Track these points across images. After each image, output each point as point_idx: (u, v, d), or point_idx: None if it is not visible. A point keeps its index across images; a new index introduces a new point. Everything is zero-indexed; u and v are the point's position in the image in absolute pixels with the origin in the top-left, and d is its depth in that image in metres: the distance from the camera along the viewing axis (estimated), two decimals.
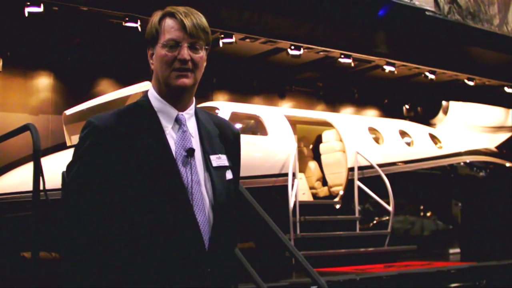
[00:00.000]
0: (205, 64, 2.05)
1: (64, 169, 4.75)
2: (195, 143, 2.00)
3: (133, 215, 1.87)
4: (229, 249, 2.03)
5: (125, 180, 1.88)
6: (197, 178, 1.94)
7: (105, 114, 1.99)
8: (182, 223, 1.88)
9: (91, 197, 1.89)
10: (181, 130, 1.98)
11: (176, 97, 2.00)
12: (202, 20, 2.00)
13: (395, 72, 9.99)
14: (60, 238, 1.93)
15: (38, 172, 4.43)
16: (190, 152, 1.95)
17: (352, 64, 9.38)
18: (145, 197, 1.87)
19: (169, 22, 1.98)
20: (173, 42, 1.95)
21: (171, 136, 1.97)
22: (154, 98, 2.01)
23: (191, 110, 2.04)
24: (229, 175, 2.05)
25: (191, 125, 2.03)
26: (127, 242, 1.87)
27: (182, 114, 2.00)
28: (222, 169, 2.03)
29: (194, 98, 2.07)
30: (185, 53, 1.95)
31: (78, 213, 1.89)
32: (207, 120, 2.09)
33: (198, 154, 1.99)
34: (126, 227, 1.88)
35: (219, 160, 2.03)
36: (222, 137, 2.09)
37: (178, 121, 1.99)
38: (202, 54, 2.00)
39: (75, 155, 1.97)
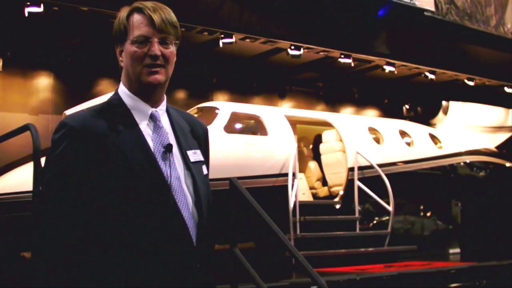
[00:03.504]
0: (175, 59, 2.02)
1: None
2: (171, 139, 1.98)
3: (117, 215, 1.83)
4: (212, 246, 2.02)
5: (106, 181, 1.83)
6: (176, 174, 1.92)
7: (79, 114, 1.96)
8: (168, 220, 1.86)
9: (72, 201, 1.83)
10: (156, 126, 1.97)
11: (148, 93, 1.97)
12: (171, 14, 1.98)
13: (395, 72, 9.98)
14: (38, 247, 1.86)
15: (38, 172, 4.43)
16: (169, 147, 1.93)
17: (352, 64, 9.38)
18: (127, 195, 1.84)
19: (137, 17, 1.96)
20: (143, 38, 1.93)
21: (147, 133, 1.94)
22: (126, 95, 1.99)
23: (163, 106, 2.03)
24: (205, 170, 2.04)
25: (165, 121, 2.01)
26: (113, 243, 1.83)
27: (156, 110, 1.99)
28: (199, 164, 2.02)
29: (165, 95, 2.05)
30: (156, 48, 1.93)
31: (59, 217, 1.83)
32: (178, 116, 2.08)
33: (175, 150, 1.97)
34: (111, 227, 1.83)
35: (195, 155, 2.02)
36: (194, 133, 2.08)
37: (152, 118, 1.97)
38: (172, 49, 1.98)
39: (50, 159, 1.90)
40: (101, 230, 1.84)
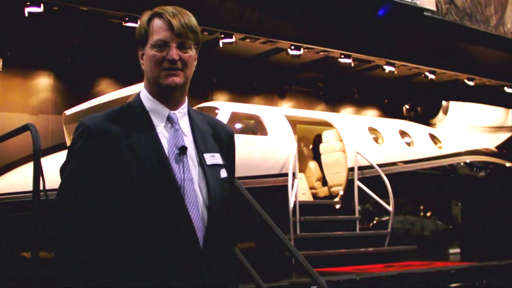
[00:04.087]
0: (195, 63, 2.06)
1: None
2: (188, 142, 2.00)
3: (126, 213, 1.88)
4: (225, 247, 2.03)
5: (118, 180, 1.88)
6: (189, 175, 1.95)
7: (98, 114, 2.00)
8: (175, 220, 1.89)
9: (85, 197, 1.90)
10: (173, 128, 1.99)
11: (167, 96, 2.01)
12: (191, 19, 2.01)
13: (395, 72, 9.99)
14: (54, 238, 1.94)
15: (38, 172, 4.43)
16: (183, 150, 1.96)
17: (352, 64, 9.38)
18: (138, 195, 1.88)
19: (157, 22, 1.99)
20: (162, 42, 1.97)
21: (163, 135, 1.98)
22: (146, 98, 2.03)
23: (183, 109, 2.05)
24: (223, 173, 2.04)
25: (184, 124, 2.03)
26: (121, 241, 1.88)
27: (174, 113, 2.01)
28: (216, 167, 2.03)
29: (186, 98, 2.08)
30: (174, 53, 1.96)
31: (72, 213, 1.90)
32: (200, 120, 2.10)
33: (191, 152, 1.99)
34: (120, 226, 1.89)
35: (213, 158, 2.03)
36: (216, 137, 2.09)
37: (170, 120, 2.00)
38: (191, 53, 2.01)
39: (68, 155, 1.98)
40: (112, 228, 1.90)
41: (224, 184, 2.02)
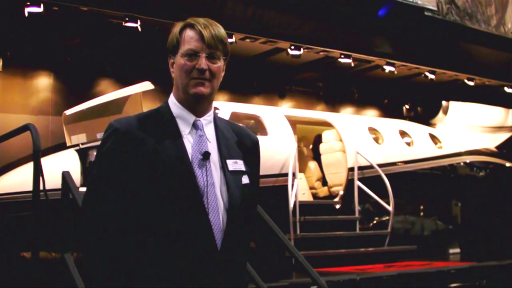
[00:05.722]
0: (223, 73, 2.13)
1: (64, 170, 4.74)
2: (212, 148, 2.07)
3: (149, 215, 1.95)
4: (242, 251, 2.08)
5: (142, 182, 1.95)
6: (212, 180, 2.01)
7: (126, 117, 2.09)
8: (195, 223, 1.95)
9: (110, 198, 1.97)
10: (197, 134, 2.06)
11: (194, 104, 2.08)
12: (221, 31, 2.09)
13: (395, 72, 9.99)
14: (80, 237, 2.01)
15: (38, 172, 4.44)
16: (206, 155, 2.03)
17: (352, 64, 9.38)
18: (161, 198, 1.94)
19: (189, 33, 2.07)
20: (192, 52, 2.04)
21: (188, 140, 2.05)
22: (174, 104, 2.11)
23: (209, 116, 2.12)
24: (245, 179, 2.10)
25: (209, 131, 2.10)
26: (142, 241, 1.94)
27: (199, 120, 2.08)
28: (238, 173, 2.09)
29: (212, 106, 2.15)
30: (203, 63, 2.03)
31: (97, 213, 1.97)
32: (225, 127, 2.17)
33: (214, 158, 2.06)
34: (142, 227, 1.95)
35: (236, 164, 2.09)
36: (240, 144, 2.16)
37: (195, 126, 2.07)
38: (220, 64, 2.09)
39: (96, 156, 2.08)
40: (135, 228, 1.96)
41: (244, 189, 2.08)
